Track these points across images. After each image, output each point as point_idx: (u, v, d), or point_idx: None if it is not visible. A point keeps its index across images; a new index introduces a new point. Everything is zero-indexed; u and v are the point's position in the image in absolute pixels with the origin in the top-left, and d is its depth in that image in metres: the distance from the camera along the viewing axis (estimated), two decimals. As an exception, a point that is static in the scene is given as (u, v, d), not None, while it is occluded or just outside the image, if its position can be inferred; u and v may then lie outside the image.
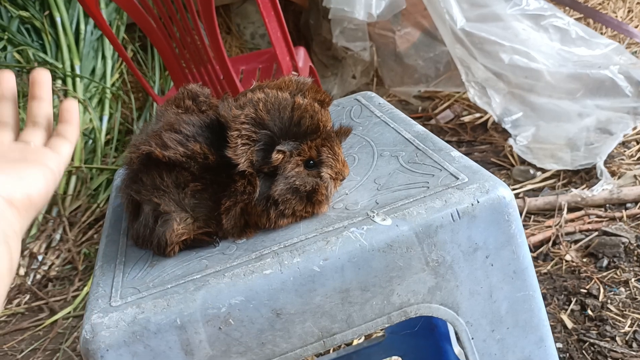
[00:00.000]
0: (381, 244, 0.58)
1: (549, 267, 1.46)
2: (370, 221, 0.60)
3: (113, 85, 2.28)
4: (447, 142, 2.28)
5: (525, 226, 1.61)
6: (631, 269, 1.40)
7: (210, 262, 0.59)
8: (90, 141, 2.14)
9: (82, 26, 2.25)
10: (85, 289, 1.76)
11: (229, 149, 0.56)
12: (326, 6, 2.12)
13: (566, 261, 1.46)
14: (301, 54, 1.79)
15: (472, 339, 0.63)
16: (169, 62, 1.51)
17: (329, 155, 0.62)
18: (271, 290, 0.56)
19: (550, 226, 1.56)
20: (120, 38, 2.33)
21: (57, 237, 1.93)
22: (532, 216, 1.64)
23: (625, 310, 1.29)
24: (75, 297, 1.74)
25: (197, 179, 0.59)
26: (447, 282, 0.61)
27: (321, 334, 0.59)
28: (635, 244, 1.46)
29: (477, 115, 2.18)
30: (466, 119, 2.19)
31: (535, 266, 1.48)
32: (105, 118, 2.19)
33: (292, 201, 0.60)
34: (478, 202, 0.60)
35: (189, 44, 1.43)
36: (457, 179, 0.64)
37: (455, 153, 0.69)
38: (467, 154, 2.05)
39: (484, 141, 2.07)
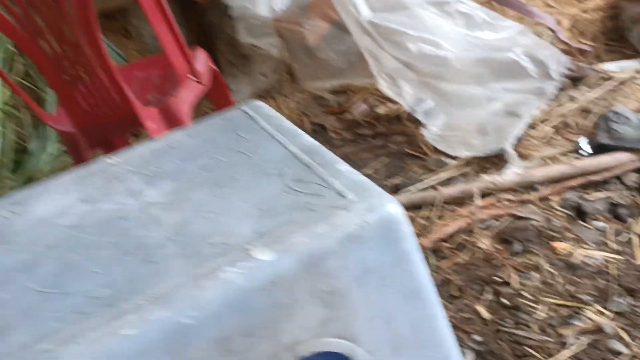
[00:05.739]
0: (262, 282, 0.52)
1: (465, 257, 1.47)
2: (249, 257, 0.53)
3: (4, 104, 2.07)
4: (363, 135, 2.24)
5: (441, 217, 1.61)
6: (542, 252, 1.43)
7: (63, 324, 0.50)
8: (-20, 165, 1.93)
9: (-42, 38, 2.01)
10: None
11: None
12: (227, 3, 2.02)
13: (481, 249, 1.47)
14: (200, 56, 1.69)
15: (374, 367, 0.59)
16: (50, 78, 1.36)
17: None
18: (134, 351, 0.48)
19: (464, 215, 1.57)
20: (9, 53, 2.11)
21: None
22: (447, 206, 1.65)
23: (539, 296, 1.32)
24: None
25: None
26: (340, 312, 0.56)
27: (200, 391, 0.52)
28: (546, 226, 1.50)
29: (392, 106, 2.17)
30: (381, 110, 2.17)
31: (452, 257, 1.48)
32: (-4, 140, 1.98)
33: None
34: (366, 222, 0.56)
35: (70, 57, 1.30)
36: (345, 197, 0.59)
37: (343, 167, 0.64)
38: (383, 146, 2.03)
39: (399, 132, 2.06)
